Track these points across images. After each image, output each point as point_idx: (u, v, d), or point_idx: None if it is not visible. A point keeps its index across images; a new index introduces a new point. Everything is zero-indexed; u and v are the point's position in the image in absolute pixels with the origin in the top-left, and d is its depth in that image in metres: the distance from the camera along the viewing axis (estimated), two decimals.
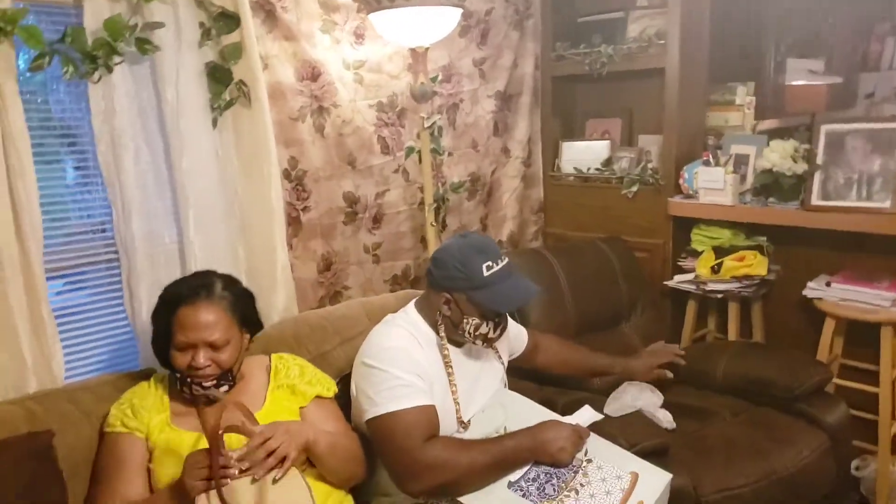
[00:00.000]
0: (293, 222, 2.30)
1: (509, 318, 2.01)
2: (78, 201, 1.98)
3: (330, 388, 1.74)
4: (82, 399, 1.66)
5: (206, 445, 1.45)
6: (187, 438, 1.52)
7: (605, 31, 2.89)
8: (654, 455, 1.78)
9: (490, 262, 1.64)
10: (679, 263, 2.78)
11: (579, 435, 1.61)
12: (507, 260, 1.69)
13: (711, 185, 2.61)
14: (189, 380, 1.53)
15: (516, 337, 2.03)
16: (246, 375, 1.66)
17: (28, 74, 1.79)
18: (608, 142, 3.00)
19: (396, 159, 2.55)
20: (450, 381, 1.70)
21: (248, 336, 1.67)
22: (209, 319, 1.54)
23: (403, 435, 1.56)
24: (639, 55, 2.76)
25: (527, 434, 1.60)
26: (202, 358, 1.52)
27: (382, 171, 2.53)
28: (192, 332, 1.52)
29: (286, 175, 2.27)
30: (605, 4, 2.96)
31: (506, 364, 1.90)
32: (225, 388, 1.56)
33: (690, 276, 2.69)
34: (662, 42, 2.67)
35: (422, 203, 2.50)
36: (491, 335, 1.70)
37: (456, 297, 1.66)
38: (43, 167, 1.86)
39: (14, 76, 1.67)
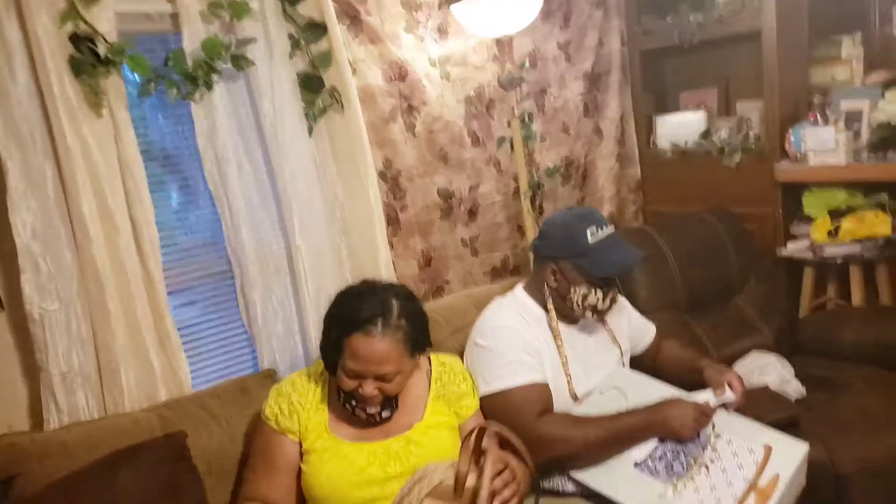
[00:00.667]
0: (392, 221, 2.33)
1: (637, 312, 2.00)
2: (183, 220, 2.08)
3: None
4: (209, 404, 1.74)
5: (366, 456, 1.48)
6: (348, 451, 1.50)
7: None
8: (785, 429, 1.68)
9: (594, 228, 1.64)
10: (791, 231, 2.62)
11: (702, 412, 1.55)
12: (612, 228, 1.68)
13: (821, 145, 2.44)
14: (353, 402, 1.48)
15: (641, 331, 1.97)
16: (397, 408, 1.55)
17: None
18: (704, 113, 2.88)
19: (488, 150, 2.54)
20: (560, 353, 1.69)
21: (417, 356, 1.55)
22: (382, 354, 1.43)
23: (516, 411, 1.57)
24: (731, 19, 2.63)
25: (646, 411, 1.56)
26: (370, 389, 1.44)
27: (474, 163, 2.53)
28: (363, 363, 1.43)
29: (382, 176, 2.30)
30: None
31: (623, 349, 1.85)
32: (388, 413, 1.50)
33: (805, 243, 2.54)
34: (756, 3, 2.53)
35: (516, 192, 2.48)
36: (600, 306, 1.67)
37: (562, 265, 1.67)
38: (151, 192, 1.97)
39: (125, 105, 1.77)
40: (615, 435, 1.54)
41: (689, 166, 2.90)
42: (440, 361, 1.67)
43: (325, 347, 1.53)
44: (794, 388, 2.02)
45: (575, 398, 1.69)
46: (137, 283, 1.80)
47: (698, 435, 1.56)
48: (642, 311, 2.18)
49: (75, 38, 1.67)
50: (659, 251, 2.39)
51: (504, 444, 1.37)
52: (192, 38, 1.85)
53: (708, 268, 2.44)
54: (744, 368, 2.11)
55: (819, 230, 2.48)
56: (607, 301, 1.68)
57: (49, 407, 1.71)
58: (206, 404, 1.73)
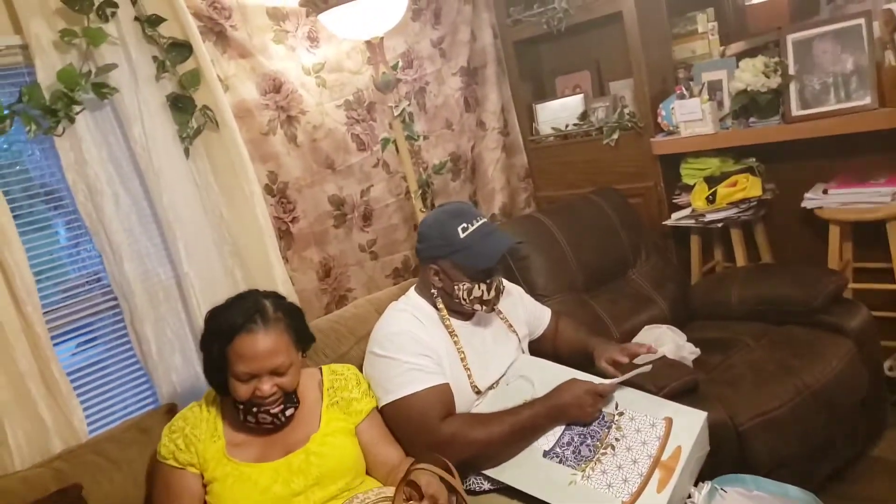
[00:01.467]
0: (284, 235, 2.30)
1: (530, 298, 2.04)
2: (73, 256, 1.99)
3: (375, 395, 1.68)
4: (107, 449, 1.65)
5: (269, 475, 1.46)
6: (250, 473, 1.47)
7: None
8: (685, 394, 1.78)
9: (465, 224, 1.66)
10: (674, 201, 2.77)
11: (596, 391, 1.60)
12: (483, 220, 1.70)
13: (690, 117, 2.59)
14: (255, 409, 1.46)
15: (536, 316, 2.01)
16: (300, 393, 1.57)
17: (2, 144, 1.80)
18: (581, 95, 2.99)
19: (374, 154, 2.55)
20: (457, 349, 1.70)
21: (301, 352, 1.59)
22: (269, 347, 1.45)
23: (419, 417, 1.58)
24: (594, 4, 2.75)
25: (543, 400, 1.60)
26: (267, 386, 1.44)
27: (362, 167, 2.52)
28: (253, 362, 1.43)
29: (268, 190, 2.26)
30: None
31: (521, 335, 1.89)
32: (291, 410, 1.51)
33: (687, 212, 2.68)
34: None
35: (408, 192, 2.49)
36: (486, 297, 1.70)
37: (441, 264, 1.69)
38: (34, 231, 1.86)
39: None
40: (518, 429, 1.57)
41: (571, 149, 3.01)
42: (331, 370, 1.68)
43: (209, 369, 1.52)
44: (689, 351, 2.10)
45: (477, 392, 1.71)
46: (15, 332, 1.70)
47: (602, 416, 1.61)
48: (542, 297, 2.25)
49: None
50: (551, 236, 2.46)
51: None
52: (47, 70, 1.77)
53: (600, 247, 2.52)
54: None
55: (698, 198, 2.62)
56: (492, 291, 1.71)
57: None
58: (103, 450, 1.64)
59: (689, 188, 2.71)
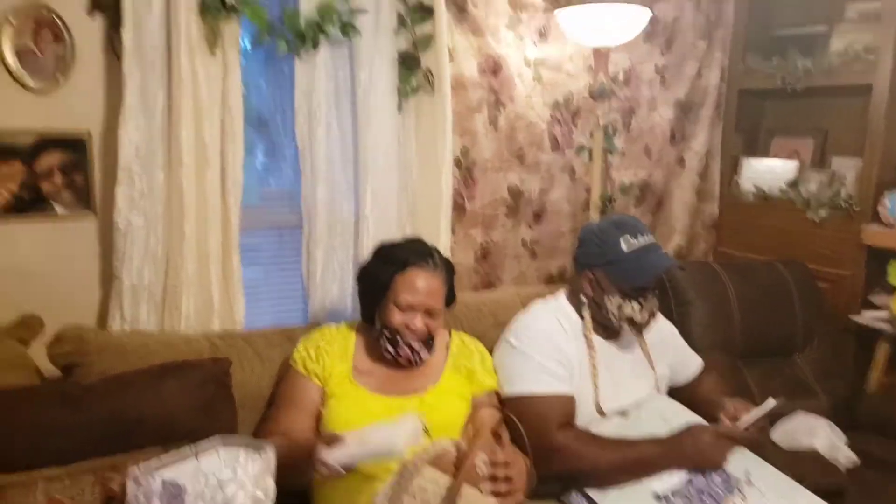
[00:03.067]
0: (457, 209, 2.38)
1: (684, 342, 1.96)
2: (261, 176, 2.20)
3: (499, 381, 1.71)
4: (257, 342, 1.83)
5: (383, 408, 1.53)
6: (366, 399, 1.56)
7: (804, 44, 2.71)
8: (828, 496, 1.60)
9: (629, 237, 1.62)
10: (870, 298, 2.51)
11: (719, 434, 1.51)
12: (650, 238, 1.65)
13: None
14: (399, 338, 1.57)
15: (685, 362, 1.93)
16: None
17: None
18: (796, 162, 2.80)
19: (565, 157, 2.56)
20: (591, 363, 1.67)
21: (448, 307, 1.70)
22: (434, 287, 1.59)
23: (537, 418, 1.57)
24: (841, 70, 2.55)
25: (667, 440, 1.53)
26: (419, 321, 1.56)
27: (550, 167, 2.55)
28: (418, 294, 1.56)
29: (457, 163, 2.35)
30: (806, 17, 2.78)
31: (659, 374, 1.82)
32: (426, 353, 1.60)
33: (884, 314, 2.42)
34: (871, 57, 2.45)
35: (586, 204, 2.48)
36: (637, 318, 1.66)
37: (597, 274, 1.66)
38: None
39: (238, 50, 1.90)
40: (632, 461, 1.52)
41: (769, 213, 2.82)
42: (460, 337, 1.75)
43: (367, 292, 1.64)
44: (844, 456, 1.91)
45: (601, 412, 1.67)
46: (215, 217, 1.92)
47: (728, 477, 1.51)
48: (694, 349, 2.15)
49: None
50: (723, 290, 2.35)
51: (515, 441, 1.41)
52: (310, 1, 1.97)
53: (771, 318, 2.37)
54: (789, 428, 2.04)
55: None
56: (645, 314, 1.66)
57: (114, 313, 1.84)
58: (253, 342, 1.82)
59: (892, 289, 2.45)
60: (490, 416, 1.61)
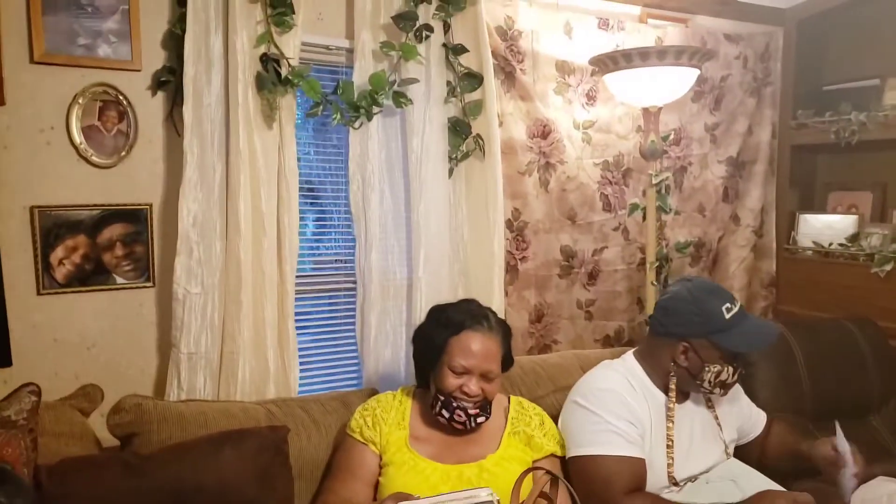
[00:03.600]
0: (510, 270, 2.37)
1: (747, 399, 1.89)
2: (313, 242, 2.23)
3: (563, 445, 1.66)
4: (313, 409, 1.80)
5: (441, 476, 1.49)
6: (425, 467, 1.53)
7: (855, 99, 2.67)
8: None
9: (728, 305, 1.58)
10: None
11: (794, 500, 1.42)
12: (740, 303, 1.62)
13: None
14: (454, 403, 1.53)
15: (751, 419, 1.86)
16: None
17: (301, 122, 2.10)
18: (855, 216, 2.72)
19: (617, 217, 2.55)
20: (668, 434, 1.60)
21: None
22: (490, 349, 1.54)
23: (604, 481, 1.51)
24: None
25: None
26: (475, 386, 1.52)
27: (602, 227, 2.53)
28: (473, 358, 1.52)
29: (508, 225, 2.35)
30: (856, 72, 2.77)
31: (728, 440, 1.74)
32: (483, 419, 1.56)
33: None
34: None
35: (641, 263, 2.44)
36: (729, 381, 1.62)
37: (695, 343, 1.60)
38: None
39: (293, 122, 1.97)
40: None
41: (831, 269, 2.73)
42: (519, 402, 1.71)
43: (421, 356, 1.63)
44: None
45: (674, 483, 1.60)
46: (272, 284, 1.94)
47: None
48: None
49: (264, 58, 1.88)
50: (788, 350, 2.24)
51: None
52: (362, 72, 2.03)
53: (842, 378, 2.25)
54: (868, 496, 1.91)
55: None
56: (736, 375, 1.62)
57: (173, 381, 1.86)
58: (309, 409, 1.79)
59: None
60: (540, 478, 1.54)
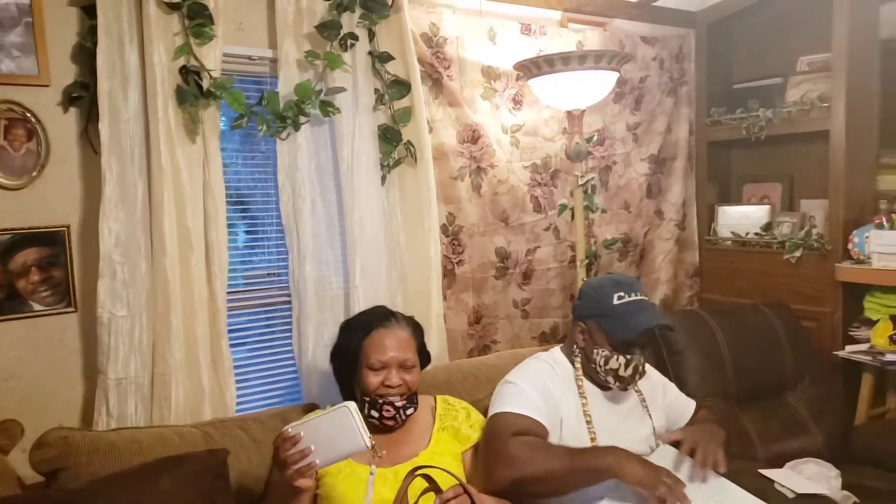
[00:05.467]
0: (448, 274, 2.38)
1: (677, 390, 1.97)
2: (245, 255, 2.18)
3: None
4: (252, 428, 1.76)
5: (377, 479, 1.51)
6: (359, 471, 1.54)
7: (762, 96, 2.84)
8: None
9: (622, 293, 1.69)
10: (850, 333, 2.56)
11: (661, 477, 1.45)
12: (642, 296, 1.71)
13: (886, 249, 2.41)
14: (380, 400, 1.59)
15: (679, 408, 1.94)
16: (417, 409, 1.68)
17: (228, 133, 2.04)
18: (768, 207, 2.88)
19: (548, 217, 2.60)
20: (584, 410, 1.69)
21: (421, 362, 1.73)
22: (402, 340, 1.64)
23: (498, 430, 1.58)
24: (800, 118, 2.67)
25: (609, 452, 1.51)
26: (395, 377, 1.59)
27: (534, 228, 2.58)
28: (387, 351, 1.60)
29: (444, 230, 2.36)
30: (762, 71, 2.94)
31: (656, 424, 1.81)
32: (411, 410, 1.62)
33: (864, 347, 2.47)
34: (826, 105, 2.57)
35: (572, 261, 2.50)
36: (622, 372, 1.68)
37: (589, 325, 1.72)
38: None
39: (218, 134, 1.91)
40: (576, 468, 1.49)
41: (748, 258, 2.89)
42: (445, 400, 1.77)
43: (341, 369, 1.70)
44: (843, 499, 1.91)
45: None
46: (202, 302, 1.88)
47: None
48: (691, 397, 2.15)
49: (184, 71, 1.82)
50: (711, 336, 2.36)
51: None
52: (287, 82, 2.00)
53: (761, 360, 2.39)
54: (795, 468, 2.03)
55: (880, 335, 2.41)
56: (629, 369, 1.68)
57: (101, 409, 1.77)
58: (248, 429, 1.75)
59: (870, 322, 2.50)
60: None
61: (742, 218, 2.93)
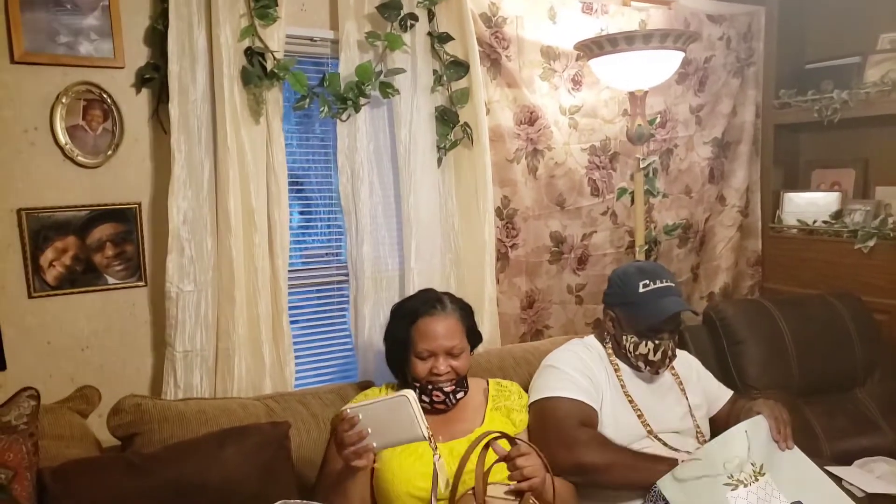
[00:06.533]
0: (501, 258, 2.38)
1: (711, 376, 1.96)
2: (300, 235, 2.22)
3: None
4: (311, 403, 1.81)
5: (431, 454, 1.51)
6: (415, 446, 1.54)
7: (837, 76, 2.71)
8: None
9: (647, 281, 1.72)
10: None
11: None
12: (668, 283, 1.73)
13: None
14: (430, 387, 1.61)
15: (714, 393, 1.92)
16: (468, 395, 1.70)
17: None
18: (838, 193, 2.76)
19: (606, 202, 2.56)
20: (624, 392, 1.73)
21: (470, 347, 1.73)
22: (447, 328, 1.63)
23: (563, 415, 1.64)
24: (879, 100, 2.53)
25: (666, 461, 1.56)
26: (442, 364, 1.61)
27: (591, 212, 2.55)
28: (433, 340, 1.61)
29: (498, 213, 2.36)
30: (838, 50, 2.79)
31: (692, 403, 1.82)
32: (461, 394, 1.64)
33: None
34: None
35: (629, 247, 2.46)
36: (651, 357, 1.72)
37: (616, 312, 1.77)
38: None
39: (281, 115, 1.95)
40: (638, 465, 1.57)
41: (815, 246, 2.78)
42: (497, 382, 1.80)
43: (391, 352, 1.71)
44: None
45: (651, 434, 1.70)
46: (264, 280, 1.94)
47: None
48: (751, 388, 2.13)
49: (249, 52, 1.86)
50: (775, 327, 2.29)
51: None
52: (348, 64, 2.02)
53: (829, 353, 2.30)
54: (867, 466, 1.97)
55: None
56: (658, 354, 1.71)
57: (169, 380, 1.85)
58: (308, 403, 1.81)
59: None
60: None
61: (809, 205, 2.82)
